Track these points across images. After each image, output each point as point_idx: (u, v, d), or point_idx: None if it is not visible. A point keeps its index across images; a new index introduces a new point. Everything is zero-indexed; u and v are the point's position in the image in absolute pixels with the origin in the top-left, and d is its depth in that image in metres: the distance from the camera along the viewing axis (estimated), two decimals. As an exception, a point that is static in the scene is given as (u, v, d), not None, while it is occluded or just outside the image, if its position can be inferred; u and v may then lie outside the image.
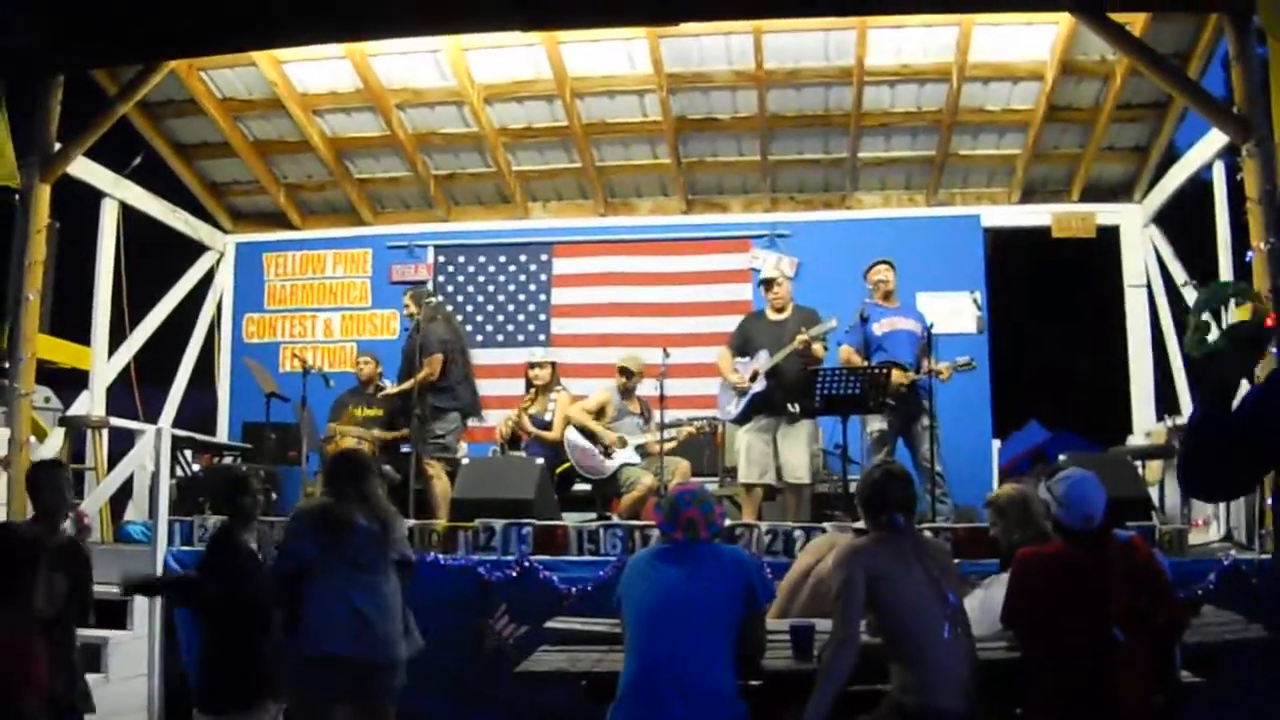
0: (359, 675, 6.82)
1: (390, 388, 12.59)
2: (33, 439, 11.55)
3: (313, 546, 6.91)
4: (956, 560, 6.42)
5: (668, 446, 11.57)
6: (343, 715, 7.00)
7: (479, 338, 15.12)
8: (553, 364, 12.78)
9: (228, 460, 13.75)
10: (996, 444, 13.87)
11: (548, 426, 12.20)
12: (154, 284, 14.46)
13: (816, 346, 11.25)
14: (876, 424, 11.15)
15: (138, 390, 13.69)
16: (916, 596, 5.57)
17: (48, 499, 7.26)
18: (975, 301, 12.28)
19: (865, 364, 10.92)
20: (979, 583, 6.92)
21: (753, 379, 11.27)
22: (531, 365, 12.74)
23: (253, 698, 7.31)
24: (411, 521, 10.41)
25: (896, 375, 10.78)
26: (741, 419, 11.47)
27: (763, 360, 11.28)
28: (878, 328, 11.30)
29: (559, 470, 11.85)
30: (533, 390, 12.61)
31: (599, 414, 11.99)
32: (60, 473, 7.52)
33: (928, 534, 6.61)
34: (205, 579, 7.53)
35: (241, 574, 7.40)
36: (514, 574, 9.55)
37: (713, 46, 13.12)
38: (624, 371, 12.17)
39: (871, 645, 5.68)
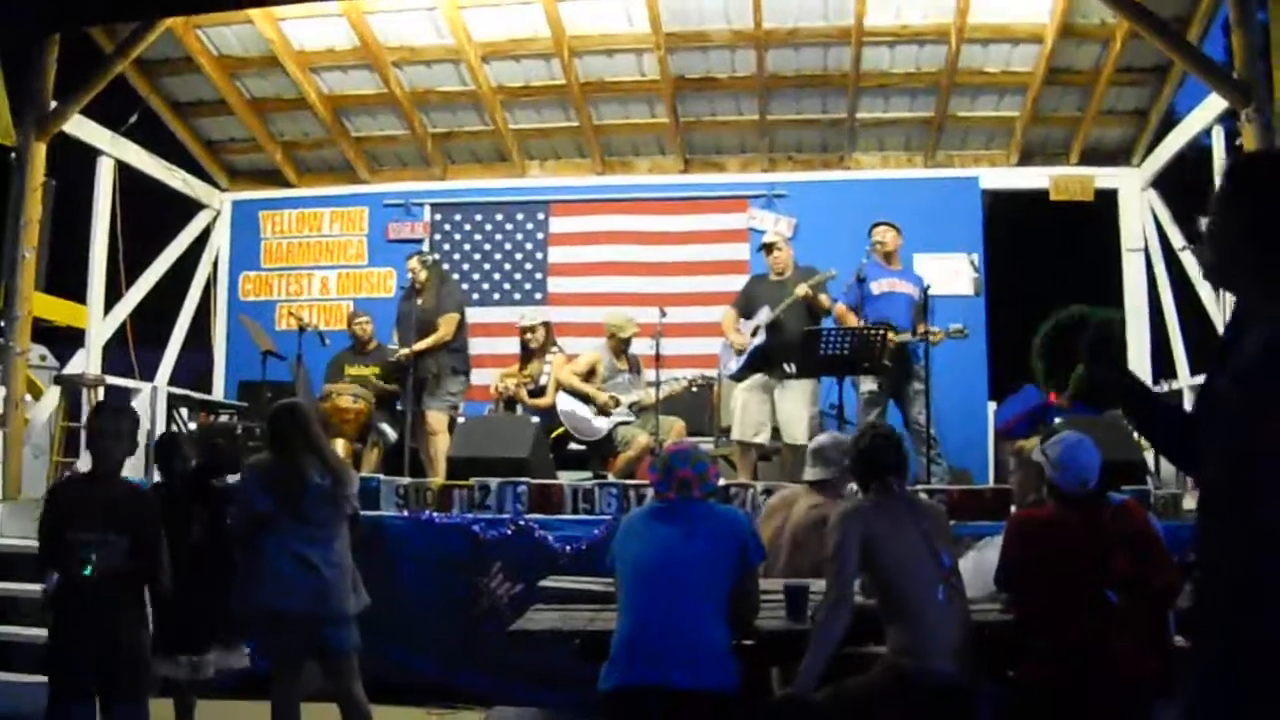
0: (310, 630, 6.82)
1: (400, 350, 12.49)
2: (28, 397, 11.56)
3: (264, 501, 6.87)
4: (951, 522, 6.41)
5: (660, 399, 11.56)
6: (309, 667, 7.03)
7: (475, 296, 15.10)
8: (545, 324, 12.79)
9: (224, 418, 13.74)
10: (992, 406, 13.85)
11: (542, 391, 12.22)
12: (150, 242, 14.43)
13: (822, 297, 11.32)
14: (867, 385, 11.17)
15: (134, 348, 13.69)
16: (910, 558, 5.58)
17: (95, 447, 7.07)
18: (973, 263, 12.32)
19: (861, 324, 10.93)
20: (973, 544, 6.92)
21: (754, 334, 11.28)
22: (524, 329, 12.75)
23: (194, 643, 7.37)
24: (407, 479, 10.42)
25: (889, 336, 10.80)
26: (740, 375, 11.49)
27: (764, 316, 11.29)
28: (875, 287, 11.31)
29: (554, 434, 11.85)
30: (528, 355, 12.63)
31: (589, 375, 11.98)
32: (106, 419, 7.22)
33: (922, 496, 6.58)
34: None
35: (176, 524, 7.43)
36: (509, 533, 9.53)
37: (711, 5, 13.10)
38: (611, 336, 12.17)
39: (866, 607, 5.69)
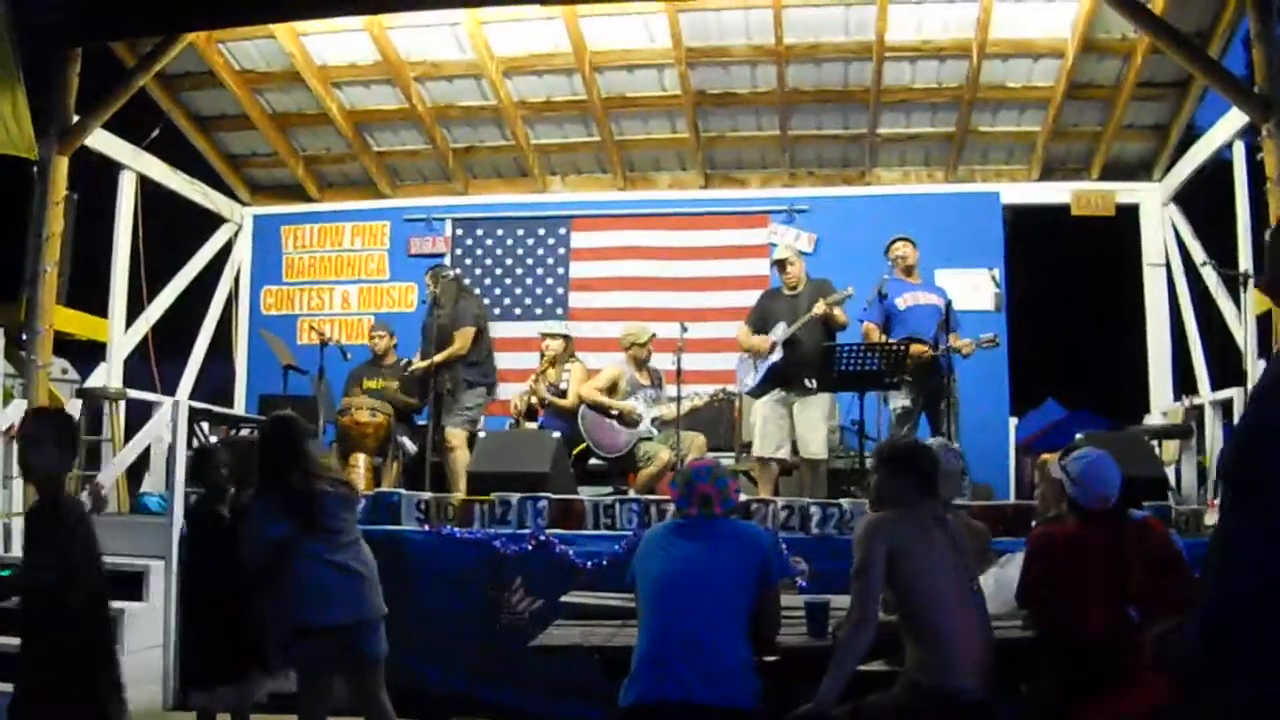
0: (354, 638, 6.80)
1: (418, 362, 12.55)
2: (50, 410, 11.59)
3: (280, 528, 6.80)
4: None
5: (681, 413, 11.56)
6: (340, 682, 7.01)
7: (496, 311, 15.11)
8: (565, 338, 12.79)
9: (245, 433, 13.76)
10: (1014, 422, 13.85)
11: (563, 395, 12.23)
12: (172, 256, 14.49)
13: (838, 311, 11.28)
14: (900, 400, 11.16)
15: (155, 362, 13.71)
16: (937, 573, 5.54)
17: (19, 456, 6.68)
18: (994, 279, 12.31)
19: (884, 340, 10.93)
20: (995, 560, 6.91)
21: (771, 349, 11.28)
22: (545, 336, 12.78)
23: (237, 671, 7.31)
24: (428, 494, 10.43)
25: (916, 349, 10.79)
26: (758, 391, 11.48)
27: (780, 331, 11.29)
28: (900, 302, 11.35)
29: (575, 452, 11.86)
30: (546, 361, 12.64)
31: (611, 390, 12.00)
32: (26, 424, 6.57)
33: (962, 512, 6.55)
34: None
35: (217, 547, 7.37)
36: (529, 547, 9.51)
37: (732, 20, 13.10)
38: (630, 345, 12.21)
39: (886, 623, 5.66)
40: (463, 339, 12.27)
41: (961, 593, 5.55)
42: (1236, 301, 11.42)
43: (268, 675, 7.55)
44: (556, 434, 11.48)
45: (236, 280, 15.75)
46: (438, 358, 12.08)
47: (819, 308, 11.09)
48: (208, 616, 7.49)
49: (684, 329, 11.52)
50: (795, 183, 15.28)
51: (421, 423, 12.52)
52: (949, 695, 5.36)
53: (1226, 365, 12.01)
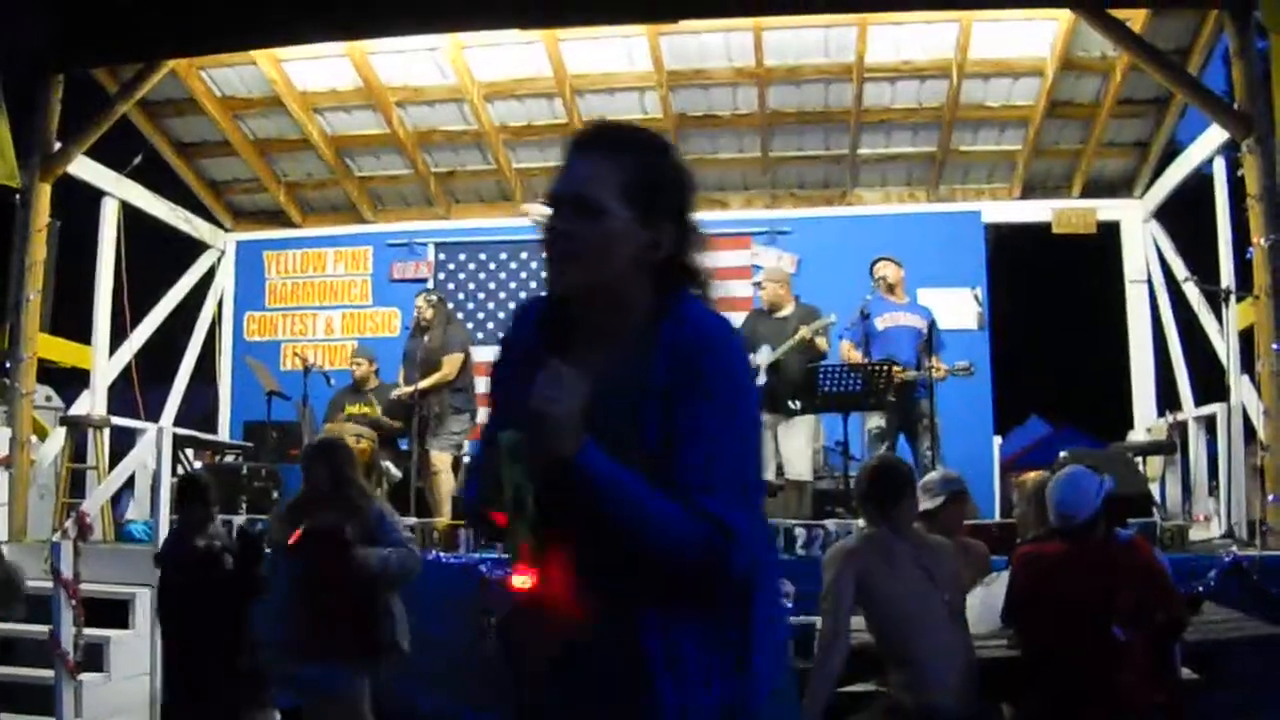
0: None
1: (403, 388, 12.51)
2: (34, 438, 11.57)
3: None
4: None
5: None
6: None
7: (479, 335, 15.01)
8: None
9: (229, 459, 13.72)
10: (998, 440, 13.83)
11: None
12: (155, 283, 14.44)
13: (819, 340, 11.29)
14: (876, 420, 11.20)
15: (139, 389, 13.68)
16: (909, 594, 5.57)
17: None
18: (976, 298, 12.31)
19: (866, 360, 10.94)
20: (980, 579, 6.91)
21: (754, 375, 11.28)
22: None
23: (223, 709, 7.24)
24: (413, 519, 10.41)
25: (894, 372, 10.81)
26: (741, 416, 11.45)
27: (764, 356, 11.30)
28: (880, 322, 11.37)
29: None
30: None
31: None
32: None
33: (934, 536, 6.57)
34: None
35: (191, 583, 7.32)
36: (515, 572, 9.51)
37: (713, 44, 13.11)
38: None
39: (869, 644, 5.68)
40: (451, 365, 12.24)
41: (934, 613, 5.57)
42: (1219, 317, 11.43)
43: (261, 709, 7.53)
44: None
45: (219, 306, 15.70)
46: (424, 384, 12.04)
47: (805, 332, 11.12)
48: (182, 652, 7.42)
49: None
50: (777, 204, 15.29)
51: (405, 448, 12.48)
52: (931, 715, 5.37)
53: (1209, 381, 12.03)
